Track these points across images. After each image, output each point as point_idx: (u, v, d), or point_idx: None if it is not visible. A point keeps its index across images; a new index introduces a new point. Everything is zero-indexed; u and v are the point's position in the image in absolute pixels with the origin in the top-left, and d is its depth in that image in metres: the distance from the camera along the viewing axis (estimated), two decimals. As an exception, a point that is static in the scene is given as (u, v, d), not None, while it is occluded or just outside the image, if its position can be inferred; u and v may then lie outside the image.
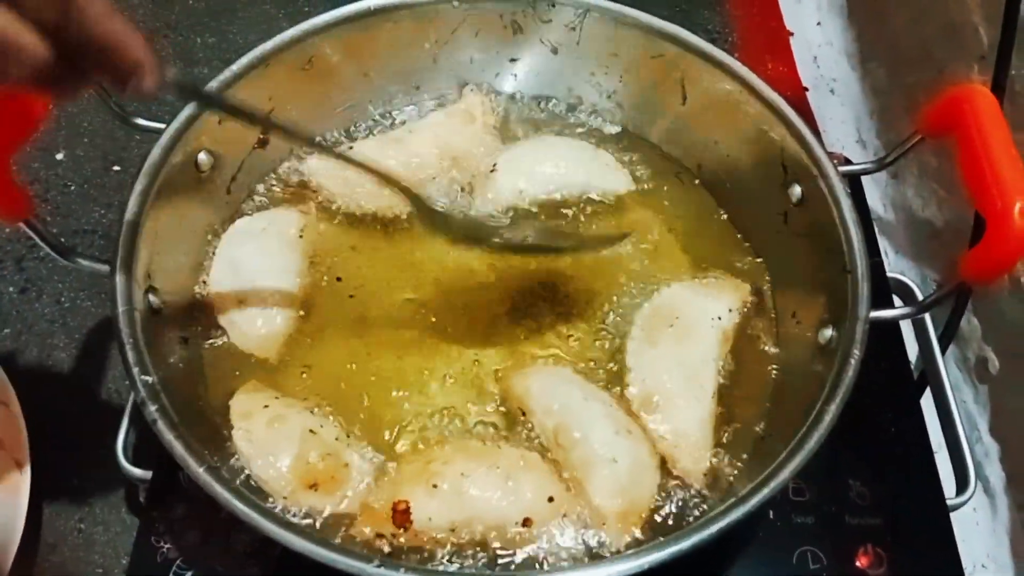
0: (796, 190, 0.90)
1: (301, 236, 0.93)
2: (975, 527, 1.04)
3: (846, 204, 0.84)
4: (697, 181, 1.02)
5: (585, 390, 0.83)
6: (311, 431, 0.78)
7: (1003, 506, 1.02)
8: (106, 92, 0.87)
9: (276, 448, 0.77)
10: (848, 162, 1.08)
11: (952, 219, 1.13)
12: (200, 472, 0.68)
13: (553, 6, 1.01)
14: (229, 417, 0.80)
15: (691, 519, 0.77)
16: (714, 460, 0.80)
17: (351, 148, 0.99)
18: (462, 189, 0.99)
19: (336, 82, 1.01)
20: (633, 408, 0.83)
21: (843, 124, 1.38)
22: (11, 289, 1.08)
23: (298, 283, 0.90)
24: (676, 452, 0.80)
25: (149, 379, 0.73)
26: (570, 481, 0.77)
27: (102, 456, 0.86)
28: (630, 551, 0.70)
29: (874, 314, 0.78)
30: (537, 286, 0.92)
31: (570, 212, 0.98)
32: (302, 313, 0.89)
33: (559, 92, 1.07)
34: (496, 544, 0.74)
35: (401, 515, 0.73)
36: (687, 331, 0.86)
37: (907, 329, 1.01)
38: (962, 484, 0.89)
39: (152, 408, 0.72)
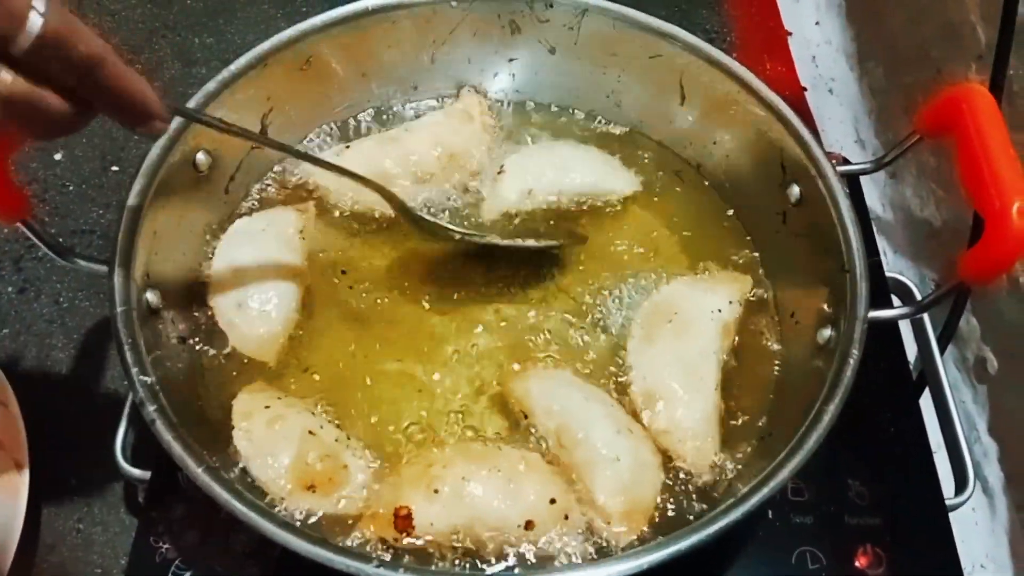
0: (795, 190, 0.90)
1: (300, 236, 0.93)
2: (974, 527, 1.04)
3: (844, 204, 0.84)
4: (696, 180, 1.02)
5: (585, 390, 0.83)
6: (310, 432, 0.78)
7: (1002, 506, 1.02)
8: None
9: (275, 448, 0.77)
10: (846, 162, 1.08)
11: (950, 219, 1.13)
12: (199, 472, 0.68)
13: (551, 6, 1.01)
14: (228, 417, 0.80)
15: (695, 515, 0.77)
16: (718, 455, 0.80)
17: (347, 147, 0.99)
18: (466, 190, 0.99)
19: (334, 82, 1.01)
20: (636, 406, 0.83)
21: (841, 124, 1.38)
22: (9, 289, 1.08)
23: (298, 284, 0.90)
24: (680, 446, 0.80)
25: (147, 379, 0.73)
26: (574, 482, 0.77)
27: (101, 456, 0.85)
28: (630, 551, 0.70)
29: (873, 314, 0.78)
30: (537, 287, 0.92)
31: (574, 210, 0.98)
32: (302, 314, 0.89)
33: (557, 92, 1.07)
34: (499, 547, 0.74)
35: (403, 520, 0.73)
36: (686, 326, 0.86)
37: (906, 329, 1.01)
38: (961, 484, 0.89)
39: (151, 408, 0.72)
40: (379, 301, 0.91)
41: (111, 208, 1.15)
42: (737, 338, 0.88)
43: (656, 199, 1.00)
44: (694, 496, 0.79)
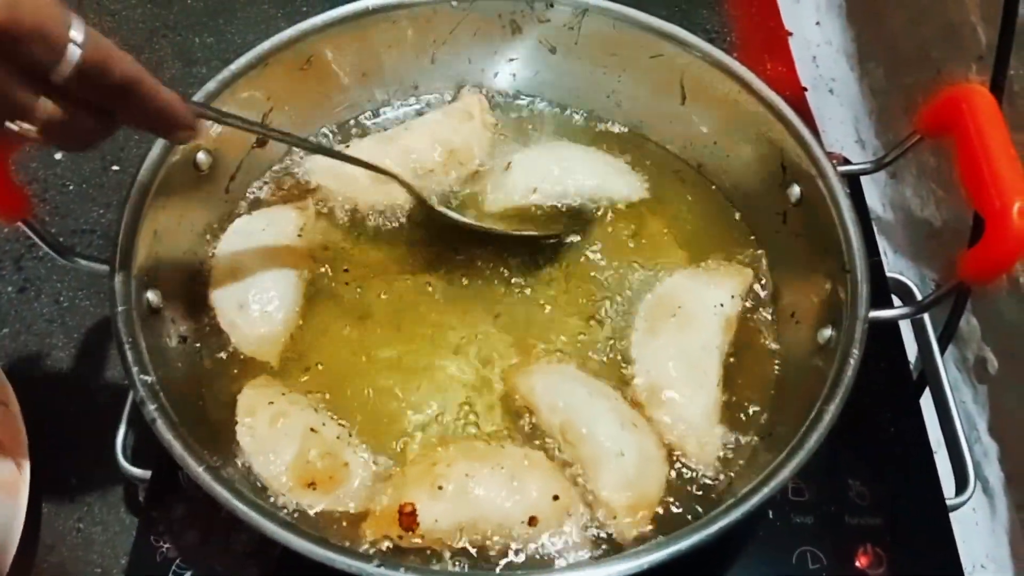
0: (795, 190, 0.90)
1: (300, 235, 0.93)
2: (974, 527, 1.04)
3: (845, 204, 0.84)
4: (697, 180, 1.01)
5: (589, 386, 0.83)
6: (312, 429, 0.78)
7: (1002, 506, 1.02)
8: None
9: (277, 445, 0.77)
10: (847, 162, 1.08)
11: (951, 219, 1.13)
12: (199, 472, 0.68)
13: (551, 6, 1.01)
14: (229, 416, 0.80)
15: (697, 511, 0.77)
16: (721, 450, 0.81)
17: (347, 147, 0.99)
18: (468, 183, 0.99)
19: (334, 82, 1.01)
20: (639, 400, 0.83)
21: (842, 124, 1.38)
22: (10, 289, 1.08)
23: (299, 283, 0.90)
24: (684, 441, 0.80)
25: (148, 378, 0.73)
26: (579, 477, 0.78)
27: (101, 456, 0.86)
28: (630, 551, 0.70)
29: (873, 314, 0.78)
30: (541, 282, 0.92)
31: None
32: (304, 313, 0.89)
33: (558, 92, 1.07)
34: (502, 544, 0.74)
35: (407, 517, 0.73)
36: (689, 320, 0.86)
37: (906, 329, 1.01)
38: (961, 484, 0.89)
39: (151, 407, 0.72)
40: (381, 299, 0.91)
41: (111, 208, 1.15)
42: (736, 338, 0.88)
43: (657, 198, 1.00)
44: (696, 492, 0.79)
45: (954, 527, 0.85)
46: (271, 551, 0.80)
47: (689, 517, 0.77)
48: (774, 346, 0.89)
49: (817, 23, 1.47)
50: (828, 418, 0.72)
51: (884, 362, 0.95)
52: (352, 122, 1.05)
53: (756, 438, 0.82)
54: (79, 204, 1.16)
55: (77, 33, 0.56)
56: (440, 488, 0.74)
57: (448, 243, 0.94)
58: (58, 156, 1.20)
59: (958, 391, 1.09)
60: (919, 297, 1.00)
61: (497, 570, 0.74)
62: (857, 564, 0.82)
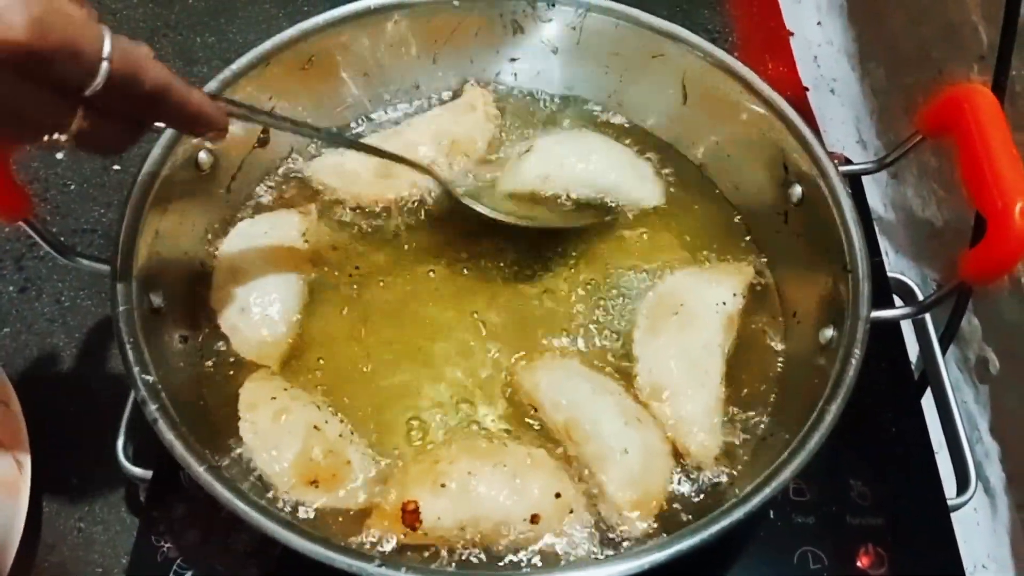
0: (796, 190, 0.90)
1: (303, 238, 0.93)
2: (976, 527, 1.04)
3: (846, 204, 0.84)
4: (698, 179, 1.01)
5: (594, 382, 0.83)
6: (315, 427, 0.78)
7: (1003, 506, 1.02)
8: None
9: (280, 442, 0.77)
10: (848, 162, 1.08)
11: (952, 219, 1.13)
12: (201, 471, 0.68)
13: (553, 6, 1.01)
14: (230, 416, 0.80)
15: (699, 509, 0.77)
16: (722, 448, 0.81)
17: None
18: (478, 165, 0.99)
19: (336, 82, 1.01)
20: (642, 397, 0.83)
21: (843, 124, 1.38)
22: (11, 288, 1.08)
23: (301, 286, 0.90)
24: (686, 439, 0.80)
25: (149, 378, 0.73)
26: (584, 473, 0.78)
27: (102, 455, 0.86)
28: (631, 551, 0.70)
29: (875, 314, 0.78)
30: (543, 280, 0.92)
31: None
32: (306, 314, 0.89)
33: (559, 91, 1.06)
34: (504, 542, 0.74)
35: (411, 515, 0.73)
36: (691, 318, 0.86)
37: (908, 329, 1.01)
38: (963, 484, 0.89)
39: (152, 407, 0.72)
40: (383, 297, 0.91)
41: (113, 207, 1.15)
42: (738, 338, 0.88)
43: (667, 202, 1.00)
44: (697, 490, 0.79)
45: (955, 527, 0.85)
46: (272, 551, 0.80)
47: (690, 516, 0.77)
48: (776, 346, 0.89)
49: (818, 23, 1.47)
50: (830, 418, 0.72)
51: (885, 362, 0.95)
52: (353, 121, 1.04)
53: (757, 438, 0.82)
54: (80, 204, 1.16)
55: (105, 46, 0.56)
56: (443, 486, 0.74)
57: (451, 240, 0.94)
58: (59, 156, 1.17)
59: (959, 391, 1.09)
60: (920, 297, 1.00)
61: (499, 568, 0.74)
62: (858, 564, 0.82)
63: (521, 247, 0.94)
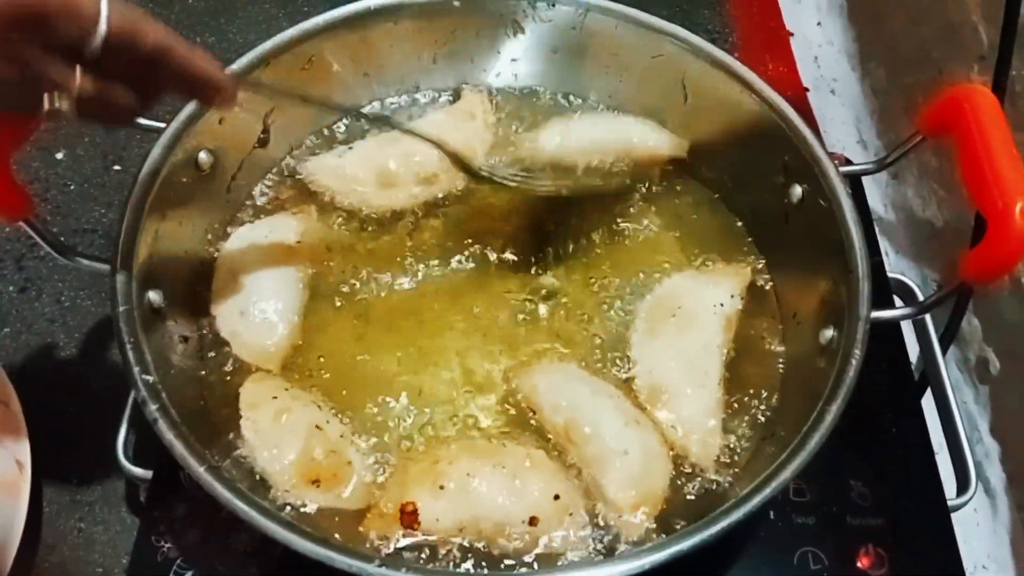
0: (796, 190, 0.90)
1: (302, 241, 0.92)
2: (976, 528, 1.04)
3: (847, 204, 0.84)
4: (698, 179, 1.01)
5: (592, 385, 0.83)
6: (317, 427, 0.78)
7: (1004, 507, 1.02)
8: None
9: (281, 441, 0.77)
10: (848, 162, 1.08)
11: (952, 219, 1.13)
12: (201, 471, 0.68)
13: (553, 6, 1.01)
14: (230, 416, 0.80)
15: (698, 511, 0.77)
16: (722, 449, 0.81)
17: (350, 148, 0.99)
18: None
19: (336, 82, 1.01)
20: (641, 399, 0.83)
21: (843, 124, 1.38)
22: (11, 288, 1.08)
23: (301, 289, 0.89)
24: (685, 441, 0.80)
25: (149, 378, 0.74)
26: (584, 476, 0.78)
27: (102, 455, 0.85)
28: (631, 551, 0.70)
29: (875, 314, 0.78)
30: (543, 283, 0.92)
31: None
32: (306, 317, 0.88)
33: (559, 92, 1.06)
34: (503, 543, 0.74)
35: (409, 516, 0.73)
36: (689, 320, 0.86)
37: (908, 329, 1.01)
38: (963, 485, 0.89)
39: (152, 407, 0.72)
40: (383, 299, 0.91)
41: (113, 207, 1.15)
42: (737, 340, 0.88)
43: (659, 198, 1.00)
44: (697, 491, 0.79)
45: (955, 528, 0.85)
46: (272, 551, 0.80)
47: (690, 518, 0.76)
48: (776, 347, 0.89)
49: (818, 23, 1.47)
50: (830, 418, 0.72)
51: (886, 363, 0.95)
52: (353, 124, 1.04)
53: (757, 438, 0.82)
54: (80, 203, 1.16)
55: (105, 5, 0.56)
56: (441, 487, 0.74)
57: (450, 242, 0.94)
58: (59, 156, 1.20)
59: (959, 392, 1.09)
60: (921, 297, 1.00)
61: (498, 570, 0.74)
62: (858, 565, 0.82)
63: (521, 250, 0.94)
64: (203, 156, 0.90)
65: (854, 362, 0.75)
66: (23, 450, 0.89)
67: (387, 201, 0.96)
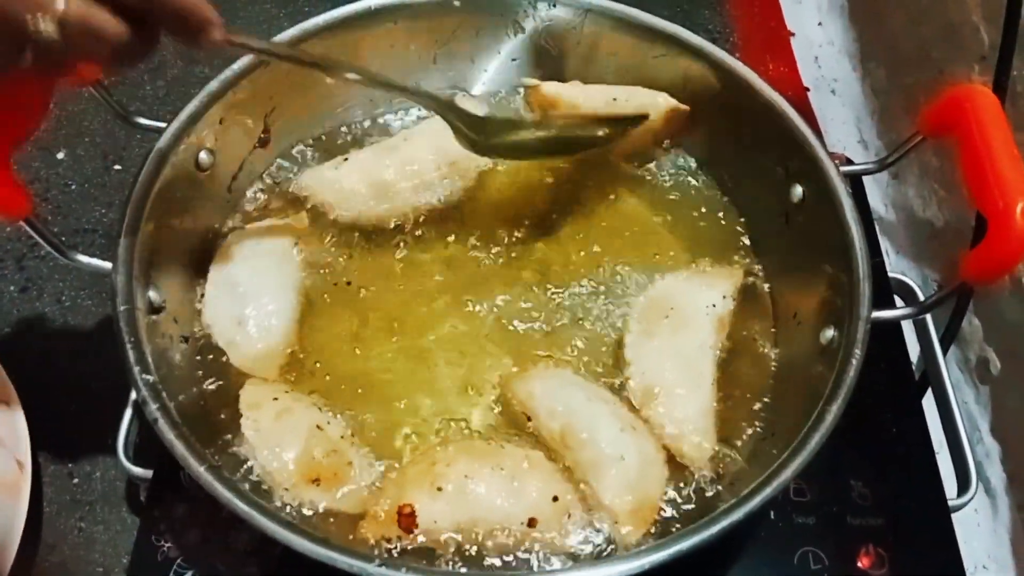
0: (797, 190, 0.90)
1: (296, 248, 0.92)
2: (976, 528, 1.04)
3: (847, 204, 0.84)
4: (699, 180, 1.01)
5: (588, 390, 0.83)
6: (318, 427, 0.78)
7: (1004, 507, 1.02)
8: (107, 91, 0.87)
9: (282, 440, 0.77)
10: (849, 162, 1.08)
11: (953, 219, 1.13)
12: (201, 471, 0.68)
13: (554, 6, 1.01)
14: (231, 416, 0.80)
15: (697, 512, 0.77)
16: (717, 450, 0.80)
17: (346, 159, 0.97)
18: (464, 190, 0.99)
19: (336, 81, 1.00)
20: (635, 402, 0.83)
21: (844, 124, 1.38)
22: (12, 288, 1.08)
23: (296, 296, 0.89)
24: (679, 442, 0.80)
25: (150, 378, 0.74)
26: (580, 482, 0.77)
27: (103, 455, 0.86)
28: (631, 551, 0.70)
29: (875, 314, 0.78)
30: (535, 286, 0.92)
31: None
32: (302, 323, 0.88)
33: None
34: (501, 545, 0.74)
35: (406, 518, 0.73)
36: (683, 321, 0.86)
37: (908, 329, 1.01)
38: (963, 485, 0.89)
39: (153, 407, 0.72)
40: (379, 305, 0.90)
41: (113, 207, 1.15)
42: (733, 342, 0.88)
43: (658, 198, 1.00)
44: (693, 493, 0.79)
45: (956, 528, 0.85)
46: (272, 550, 0.80)
47: (687, 522, 0.76)
48: (776, 347, 0.89)
49: (819, 23, 1.47)
50: (830, 418, 0.72)
51: (886, 363, 0.95)
52: (353, 121, 1.04)
53: (756, 439, 0.82)
54: (81, 203, 1.16)
55: None
56: (439, 489, 0.74)
57: (447, 245, 0.94)
58: (60, 155, 1.20)
59: (960, 391, 1.09)
60: (921, 297, 1.00)
61: (496, 571, 0.74)
62: (859, 565, 0.82)
63: (519, 253, 0.94)
64: (204, 156, 0.90)
65: (855, 362, 0.75)
66: (23, 450, 0.89)
67: (385, 211, 0.95)
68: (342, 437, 0.79)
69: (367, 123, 1.05)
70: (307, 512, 0.75)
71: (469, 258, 0.94)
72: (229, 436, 0.78)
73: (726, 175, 1.00)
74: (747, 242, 0.96)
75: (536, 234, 0.96)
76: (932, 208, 1.18)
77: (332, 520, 0.75)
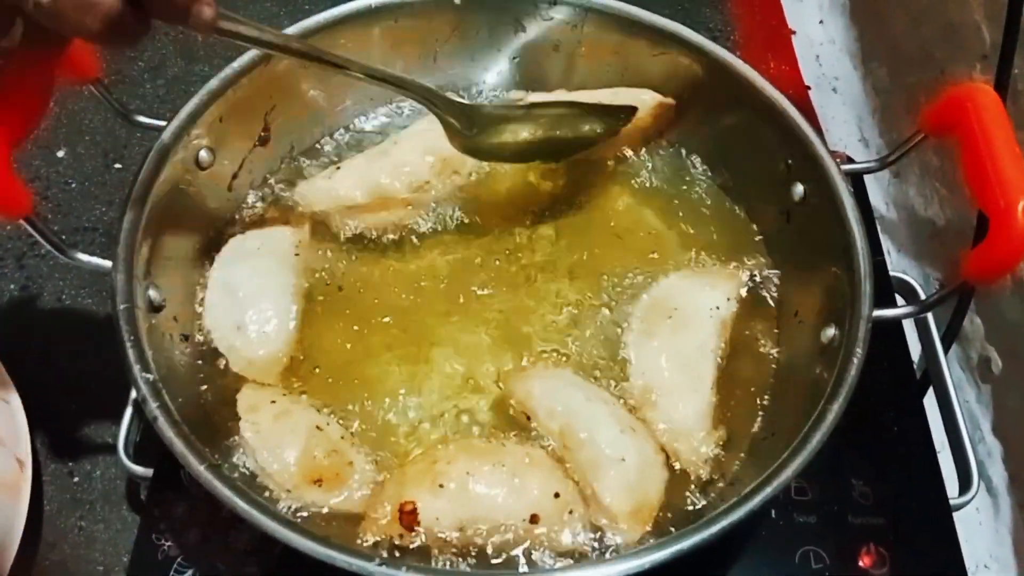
0: (798, 189, 0.90)
1: (296, 252, 0.92)
2: (978, 527, 1.04)
3: (848, 203, 0.84)
4: (699, 178, 1.01)
5: (587, 390, 0.83)
6: (317, 427, 0.78)
7: (1006, 506, 1.02)
8: (107, 90, 0.87)
9: (282, 442, 0.77)
10: (850, 161, 1.07)
11: (954, 218, 1.13)
12: (201, 470, 0.68)
13: (555, 4, 1.00)
14: (231, 414, 0.80)
15: (696, 513, 0.77)
16: (713, 451, 0.80)
17: (338, 168, 0.97)
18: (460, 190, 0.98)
19: (337, 80, 1.00)
20: (634, 402, 0.83)
21: (845, 123, 1.38)
22: (12, 287, 1.08)
23: (296, 298, 0.89)
24: (676, 444, 0.80)
25: (150, 376, 0.73)
26: (579, 482, 0.77)
27: (103, 454, 0.86)
28: (632, 551, 0.70)
29: (877, 313, 0.78)
30: (535, 285, 0.92)
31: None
32: (302, 327, 0.88)
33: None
34: (503, 542, 0.74)
35: (408, 516, 0.73)
36: (685, 322, 0.86)
37: (910, 328, 1.01)
38: (965, 484, 0.89)
39: (153, 406, 0.71)
40: (378, 307, 0.90)
41: (114, 206, 1.15)
42: (734, 341, 0.88)
43: (658, 197, 1.00)
44: (691, 493, 0.79)
45: (957, 527, 0.85)
46: (272, 549, 0.80)
47: (686, 522, 0.76)
48: (777, 346, 0.88)
49: (820, 22, 1.47)
50: (831, 417, 0.72)
51: (887, 361, 0.95)
52: (354, 119, 1.04)
53: (757, 438, 0.82)
54: (81, 202, 1.16)
55: None
56: (441, 486, 0.74)
57: (447, 247, 0.94)
58: (60, 154, 1.20)
59: (962, 390, 1.09)
60: (923, 296, 1.00)
61: (498, 568, 0.74)
62: (860, 564, 0.82)
63: (517, 253, 0.94)
64: (204, 154, 0.90)
65: (856, 361, 0.75)
66: (24, 448, 0.89)
67: (381, 216, 0.95)
68: (342, 438, 0.79)
69: (367, 123, 1.05)
70: (308, 512, 0.75)
71: (468, 258, 0.94)
72: (229, 435, 0.78)
73: (727, 174, 1.00)
74: (748, 241, 0.96)
75: (535, 234, 0.96)
76: (933, 207, 1.17)
77: (333, 519, 0.75)
